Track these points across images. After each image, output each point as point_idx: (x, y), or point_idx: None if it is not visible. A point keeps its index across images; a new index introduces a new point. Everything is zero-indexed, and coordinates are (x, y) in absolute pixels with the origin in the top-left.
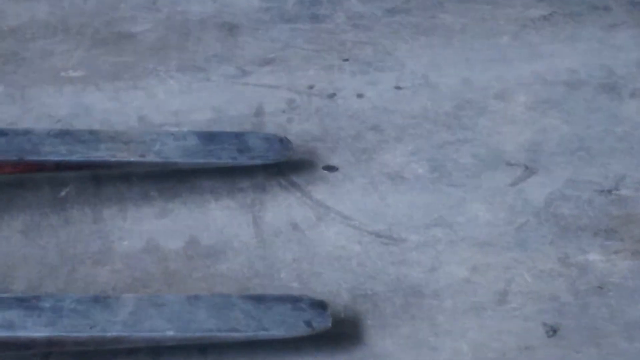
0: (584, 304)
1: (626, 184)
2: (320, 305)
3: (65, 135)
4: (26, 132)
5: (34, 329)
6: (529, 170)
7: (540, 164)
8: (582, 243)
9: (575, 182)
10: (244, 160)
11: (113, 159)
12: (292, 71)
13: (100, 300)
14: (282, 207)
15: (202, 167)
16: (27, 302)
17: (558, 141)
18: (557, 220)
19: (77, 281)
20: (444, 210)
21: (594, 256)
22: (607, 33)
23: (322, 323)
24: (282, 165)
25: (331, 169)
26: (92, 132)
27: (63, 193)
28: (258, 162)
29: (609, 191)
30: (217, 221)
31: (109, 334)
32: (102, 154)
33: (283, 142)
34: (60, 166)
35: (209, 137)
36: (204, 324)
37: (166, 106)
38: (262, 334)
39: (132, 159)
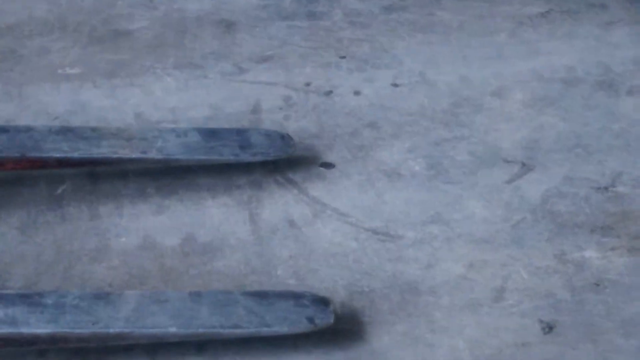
0: (580, 300)
1: (623, 181)
2: (322, 302)
3: (67, 132)
4: (28, 129)
5: (37, 326)
6: (526, 167)
7: (537, 161)
8: (578, 240)
9: (572, 179)
10: (246, 157)
11: (115, 156)
12: (289, 68)
13: (103, 297)
14: (278, 204)
15: (203, 163)
16: (29, 299)
17: (555, 138)
18: (554, 217)
19: (74, 278)
20: (440, 207)
21: (590, 253)
22: (604, 30)
23: (324, 319)
24: (279, 162)
25: (328, 166)
26: (94, 129)
27: (60, 190)
28: (260, 158)
29: (606, 188)
30: (214, 218)
31: (111, 331)
32: (104, 150)
33: (285, 138)
34: (62, 163)
35: (211, 134)
36: (207, 321)
37: (163, 103)
38: (264, 331)
39: (134, 156)
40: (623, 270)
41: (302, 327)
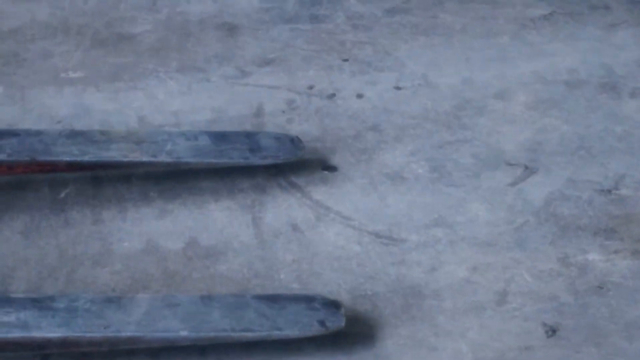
0: (583, 303)
1: (626, 183)
2: (333, 305)
3: (76, 135)
4: (38, 133)
5: (48, 330)
6: (529, 170)
7: (540, 163)
8: (581, 243)
9: (575, 182)
10: (255, 160)
11: (125, 159)
12: (292, 71)
13: (114, 301)
14: (281, 207)
15: (214, 167)
16: (41, 303)
17: (558, 141)
18: (557, 220)
19: (77, 282)
20: (443, 210)
21: (593, 256)
22: (607, 32)
23: (335, 322)
24: (282, 165)
25: (331, 169)
26: (103, 133)
27: (63, 194)
28: (270, 162)
29: (609, 191)
30: (217, 222)
31: (123, 334)
32: (113, 154)
33: (294, 141)
34: (72, 166)
35: (220, 137)
36: (218, 324)
37: (166, 107)
38: (276, 334)
39: (144, 159)
40: (626, 273)
41: (314, 330)
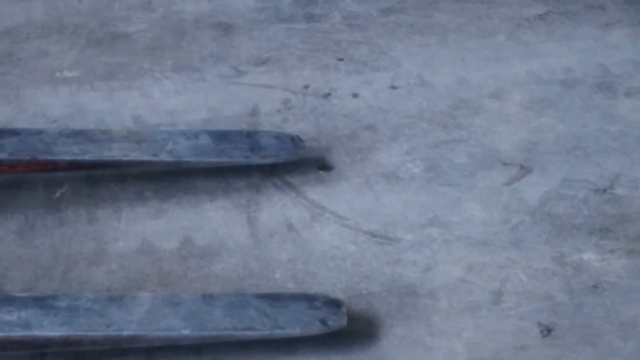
0: (579, 303)
1: (621, 183)
2: (335, 304)
3: (77, 135)
4: (38, 132)
5: (51, 328)
6: (524, 170)
7: (536, 163)
8: (577, 242)
9: (570, 181)
10: (256, 159)
11: (126, 158)
12: (288, 71)
13: (116, 299)
14: (277, 207)
15: (214, 166)
16: (43, 302)
17: (553, 140)
18: (552, 220)
19: (72, 282)
20: (439, 209)
21: (589, 255)
22: (603, 32)
23: (337, 321)
24: (277, 165)
25: (326, 168)
26: (104, 132)
27: (57, 194)
28: (270, 161)
29: (604, 190)
30: (212, 221)
31: (125, 333)
32: (114, 153)
33: (295, 140)
34: (73, 165)
35: (221, 137)
36: (220, 323)
37: (161, 106)
38: (277, 333)
39: (144, 158)
40: (622, 273)
41: (315, 329)
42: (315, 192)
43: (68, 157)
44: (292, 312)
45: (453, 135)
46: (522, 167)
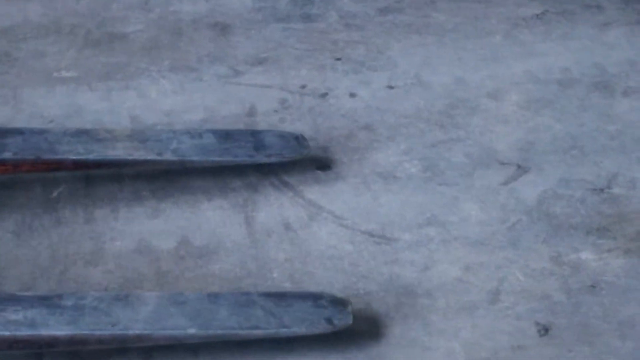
0: (576, 302)
1: (618, 182)
2: (341, 303)
3: (81, 134)
4: (43, 131)
5: (56, 327)
6: (522, 169)
7: (533, 162)
8: (574, 242)
9: (567, 181)
10: (261, 158)
11: (130, 158)
12: (285, 71)
13: (122, 298)
14: (274, 206)
15: (219, 165)
16: (48, 301)
17: (551, 140)
18: (550, 219)
19: (69, 282)
20: (436, 209)
21: (586, 255)
22: (600, 31)
23: (342, 320)
24: (274, 164)
25: (323, 168)
26: (108, 131)
27: (55, 193)
28: (275, 160)
29: (602, 190)
30: (209, 221)
31: (130, 332)
32: (119, 152)
33: (299, 139)
34: (77, 165)
35: (225, 136)
36: (226, 322)
37: (158, 106)
38: (283, 332)
39: (149, 158)
40: (619, 272)
41: (321, 328)
42: (313, 192)
43: (72, 157)
44: (298, 311)
45: (450, 134)
46: (519, 166)
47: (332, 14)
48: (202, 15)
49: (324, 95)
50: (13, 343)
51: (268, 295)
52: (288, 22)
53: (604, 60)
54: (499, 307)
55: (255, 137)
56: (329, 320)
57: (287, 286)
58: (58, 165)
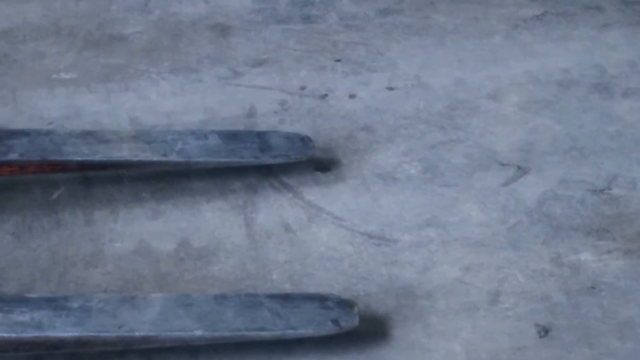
0: (576, 303)
1: (618, 183)
2: (347, 304)
3: (87, 135)
4: (48, 133)
5: (63, 329)
6: (522, 170)
7: (533, 163)
8: (574, 243)
9: (567, 182)
10: (266, 159)
11: (136, 159)
12: (284, 72)
13: (128, 300)
14: (273, 208)
15: (224, 166)
16: (55, 302)
17: (550, 141)
18: (550, 220)
19: (69, 283)
20: (436, 210)
21: (586, 256)
22: (600, 32)
23: (349, 322)
24: (274, 166)
25: (323, 169)
26: (114, 132)
27: (55, 195)
28: (280, 160)
29: (602, 191)
30: (209, 223)
31: (137, 334)
32: (124, 153)
33: (304, 140)
34: (83, 166)
35: (231, 137)
36: (232, 324)
37: (158, 108)
38: (289, 333)
39: (154, 159)
40: (619, 273)
41: (328, 329)
42: (312, 193)
43: (78, 158)
44: (304, 312)
45: (450, 136)
46: (519, 167)
47: (332, 15)
48: (201, 16)
49: (323, 96)
50: (19, 345)
51: (274, 296)
52: (288, 24)
53: (604, 61)
54: (499, 308)
55: (260, 138)
56: (335, 322)
57: (287, 288)
58: (64, 167)
